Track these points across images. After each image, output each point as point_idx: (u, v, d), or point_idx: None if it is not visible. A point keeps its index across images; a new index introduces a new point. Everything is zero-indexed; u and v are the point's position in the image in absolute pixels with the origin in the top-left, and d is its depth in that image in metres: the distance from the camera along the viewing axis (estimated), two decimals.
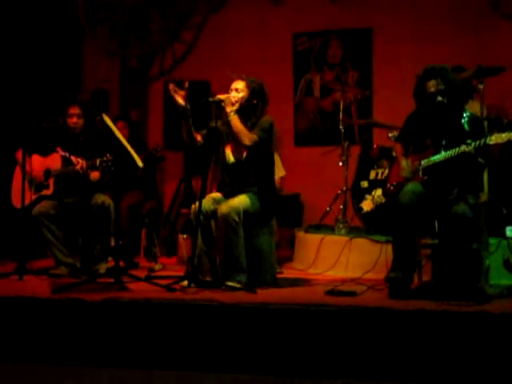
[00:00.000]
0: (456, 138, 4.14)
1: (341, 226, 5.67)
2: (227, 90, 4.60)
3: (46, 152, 5.22)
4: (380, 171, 5.57)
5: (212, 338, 3.67)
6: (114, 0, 7.12)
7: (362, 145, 6.16)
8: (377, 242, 5.03)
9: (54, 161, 5.15)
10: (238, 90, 4.56)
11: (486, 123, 4.85)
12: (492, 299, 3.91)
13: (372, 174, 5.62)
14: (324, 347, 3.54)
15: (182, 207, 6.34)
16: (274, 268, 4.78)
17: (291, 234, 6.08)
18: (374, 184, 5.56)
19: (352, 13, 6.77)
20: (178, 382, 3.61)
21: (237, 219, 4.33)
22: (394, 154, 5.03)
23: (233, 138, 4.57)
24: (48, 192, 5.13)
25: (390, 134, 5.38)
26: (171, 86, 4.50)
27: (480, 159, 4.12)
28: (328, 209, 6.06)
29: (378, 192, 5.39)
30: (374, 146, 5.81)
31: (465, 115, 4.26)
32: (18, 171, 5.24)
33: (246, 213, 4.40)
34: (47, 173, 5.15)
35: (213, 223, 4.51)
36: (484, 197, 4.57)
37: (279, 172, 6.04)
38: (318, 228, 5.94)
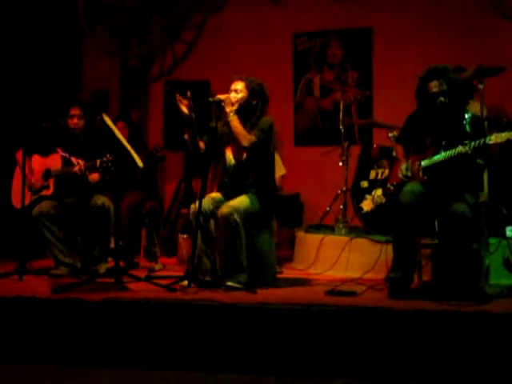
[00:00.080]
0: (457, 139, 4.14)
1: (341, 225, 5.67)
2: (227, 90, 4.60)
3: (46, 152, 5.22)
4: (380, 171, 5.57)
5: (212, 338, 3.67)
6: (114, 0, 7.12)
7: (362, 145, 6.16)
8: (377, 241, 5.03)
9: (54, 161, 5.15)
10: (238, 90, 4.57)
11: (485, 123, 4.85)
12: (492, 299, 3.91)
13: (372, 174, 5.62)
14: (324, 347, 3.54)
15: (182, 207, 6.34)
16: (274, 268, 4.78)
17: (291, 234, 6.07)
18: (373, 184, 5.56)
19: (352, 13, 6.76)
20: (178, 382, 3.61)
21: (238, 220, 4.33)
22: (395, 154, 5.03)
23: (233, 140, 4.58)
24: (48, 192, 5.13)
25: (390, 134, 5.38)
26: (177, 97, 4.51)
27: (479, 160, 4.13)
28: (328, 209, 6.07)
29: (378, 192, 5.39)
30: (374, 145, 5.81)
31: (466, 116, 4.26)
32: (18, 171, 5.24)
33: (247, 213, 4.40)
34: (47, 173, 5.15)
35: (212, 223, 4.51)
36: (484, 197, 4.57)
37: (279, 171, 6.04)
38: (318, 228, 5.94)
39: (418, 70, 4.48)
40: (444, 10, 6.49)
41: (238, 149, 4.59)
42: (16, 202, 5.16)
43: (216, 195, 4.64)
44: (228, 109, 4.50)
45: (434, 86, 4.22)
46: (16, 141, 5.26)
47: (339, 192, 5.95)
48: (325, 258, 5.31)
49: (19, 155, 5.12)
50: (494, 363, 3.34)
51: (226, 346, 3.65)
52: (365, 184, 5.64)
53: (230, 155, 4.65)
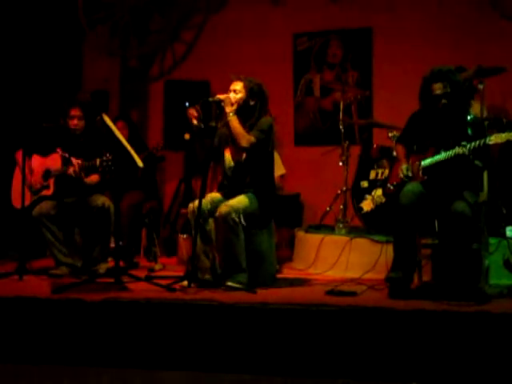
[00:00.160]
0: (458, 141, 4.14)
1: (341, 225, 5.66)
2: (227, 91, 4.61)
3: (46, 152, 5.22)
4: (380, 171, 5.57)
5: (212, 338, 3.67)
6: (114, 0, 7.13)
7: (362, 145, 6.16)
8: (377, 241, 5.03)
9: (54, 161, 5.15)
10: (236, 90, 4.57)
11: (486, 123, 4.86)
12: (492, 299, 3.92)
13: (372, 174, 5.62)
14: (324, 347, 3.55)
15: (181, 207, 6.34)
16: (273, 268, 4.78)
17: (291, 234, 6.07)
18: (373, 184, 5.56)
19: (352, 13, 6.76)
20: (178, 382, 3.60)
21: (236, 219, 4.34)
22: (395, 154, 5.03)
23: (232, 141, 4.58)
24: (48, 192, 5.13)
25: (390, 134, 5.39)
26: (188, 113, 4.53)
27: (477, 162, 4.13)
28: (328, 209, 6.07)
29: (378, 192, 5.39)
30: (374, 145, 5.81)
31: (468, 118, 4.27)
32: (17, 171, 5.24)
33: (246, 213, 4.40)
34: (47, 173, 5.15)
35: (211, 222, 4.51)
36: (484, 196, 4.57)
37: (279, 170, 6.04)
38: (318, 228, 5.94)
39: (418, 69, 4.48)
40: (444, 10, 6.49)
41: (237, 150, 4.59)
42: (16, 202, 5.15)
43: (215, 195, 4.64)
44: (228, 109, 4.51)
45: (438, 88, 4.22)
46: (16, 141, 5.26)
47: (339, 192, 5.95)
48: (325, 258, 5.31)
49: (19, 155, 5.12)
50: (494, 363, 3.34)
51: (225, 346, 3.65)
52: (365, 184, 5.64)
53: (228, 156, 4.65)
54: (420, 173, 4.27)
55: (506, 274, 4.61)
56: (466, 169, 4.17)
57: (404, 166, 4.34)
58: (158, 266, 5.47)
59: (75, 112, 5.16)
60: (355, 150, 6.05)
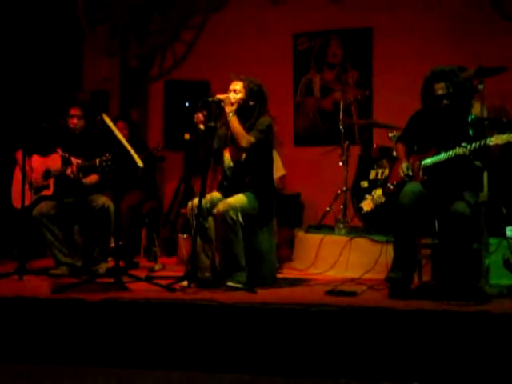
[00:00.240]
0: (459, 141, 4.14)
1: (341, 225, 5.67)
2: (227, 90, 4.60)
3: (45, 152, 5.22)
4: (380, 171, 5.58)
5: (212, 338, 3.67)
6: (114, 0, 7.12)
7: (362, 145, 6.16)
8: (377, 241, 5.03)
9: (54, 161, 5.15)
10: (237, 90, 4.57)
11: (486, 123, 4.85)
12: (492, 299, 3.91)
13: (372, 174, 5.62)
14: (324, 347, 3.54)
15: (181, 207, 6.34)
16: (274, 268, 4.78)
17: (291, 233, 6.08)
18: (373, 184, 5.56)
19: (352, 13, 6.76)
20: (179, 382, 3.60)
21: (234, 217, 4.34)
22: (395, 154, 5.03)
23: (231, 141, 4.58)
24: (48, 192, 5.13)
25: (390, 134, 5.39)
26: (195, 117, 4.53)
27: (477, 162, 4.13)
28: (328, 209, 6.07)
29: (378, 192, 5.39)
30: (374, 145, 5.81)
31: (469, 118, 4.27)
32: (17, 171, 5.24)
33: (245, 211, 4.40)
34: (47, 173, 5.15)
35: (210, 221, 4.51)
36: (484, 197, 4.57)
37: (279, 171, 6.05)
38: (318, 228, 5.94)
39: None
40: (444, 10, 6.49)
41: (236, 150, 4.59)
42: (16, 202, 5.15)
43: (215, 194, 4.65)
44: (227, 109, 4.51)
45: (440, 88, 4.22)
46: (16, 141, 5.26)
47: (339, 192, 5.96)
48: (325, 257, 5.31)
49: (19, 155, 5.12)
50: (494, 363, 3.34)
51: (225, 346, 3.65)
52: (365, 184, 5.64)
53: (228, 157, 4.65)
54: (420, 172, 4.27)
55: (506, 274, 4.60)
56: (466, 169, 4.17)
57: (404, 165, 4.34)
58: (157, 266, 5.47)
59: (75, 111, 5.15)
60: (355, 150, 6.05)
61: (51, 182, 5.13)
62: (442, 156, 4.18)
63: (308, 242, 5.63)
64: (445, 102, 4.20)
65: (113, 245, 5.13)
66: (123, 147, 4.43)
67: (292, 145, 7.05)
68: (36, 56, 6.66)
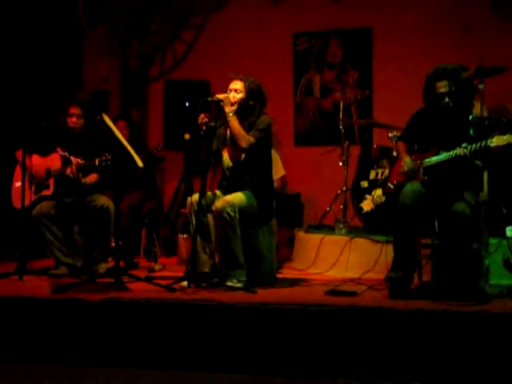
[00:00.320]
0: (459, 141, 4.14)
1: (341, 225, 5.67)
2: (226, 90, 4.60)
3: (45, 152, 5.22)
4: (380, 171, 5.57)
5: (212, 338, 3.67)
6: (114, 0, 7.12)
7: (362, 145, 6.16)
8: (377, 241, 5.03)
9: (54, 161, 5.15)
10: (238, 90, 4.56)
11: (486, 123, 4.85)
12: (492, 299, 3.91)
13: (372, 174, 5.62)
14: (324, 347, 3.54)
15: (181, 207, 6.34)
16: (273, 268, 4.78)
17: (291, 233, 6.07)
18: (373, 184, 5.56)
19: (352, 13, 6.76)
20: (178, 382, 3.60)
21: (232, 214, 4.33)
22: (395, 154, 5.03)
23: (230, 142, 4.58)
24: (48, 192, 5.13)
25: (390, 134, 5.38)
26: (199, 118, 4.53)
27: (477, 162, 4.13)
28: (328, 209, 6.07)
29: (378, 192, 5.39)
30: (374, 145, 5.81)
31: (470, 118, 4.27)
32: (18, 171, 5.24)
33: (243, 209, 4.40)
34: (47, 173, 5.14)
35: (209, 218, 4.51)
36: (484, 197, 4.57)
37: (279, 172, 6.05)
38: (318, 228, 5.94)
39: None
40: (444, 10, 6.49)
41: (235, 150, 4.59)
42: (16, 202, 5.15)
43: (215, 191, 4.66)
44: (227, 109, 4.50)
45: (443, 86, 4.22)
46: (16, 141, 5.26)
47: (339, 192, 5.96)
48: (325, 257, 5.31)
49: (19, 154, 5.12)
50: (494, 363, 3.34)
51: (225, 346, 3.65)
52: (365, 184, 5.64)
53: (226, 157, 4.65)
54: (421, 172, 4.27)
55: (506, 274, 4.60)
56: (466, 169, 4.17)
57: (407, 159, 4.33)
58: (157, 266, 5.46)
59: (74, 110, 5.15)
60: (355, 150, 6.05)
61: (51, 181, 5.13)
62: (443, 156, 4.18)
63: (308, 241, 5.63)
64: (446, 100, 4.20)
65: (113, 245, 5.13)
66: (123, 147, 4.43)
67: (292, 145, 7.05)
68: (36, 56, 6.66)
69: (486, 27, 6.33)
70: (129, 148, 4.43)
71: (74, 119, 5.15)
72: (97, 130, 4.99)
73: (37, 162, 5.18)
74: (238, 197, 4.44)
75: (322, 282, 4.75)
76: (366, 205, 5.53)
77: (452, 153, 4.13)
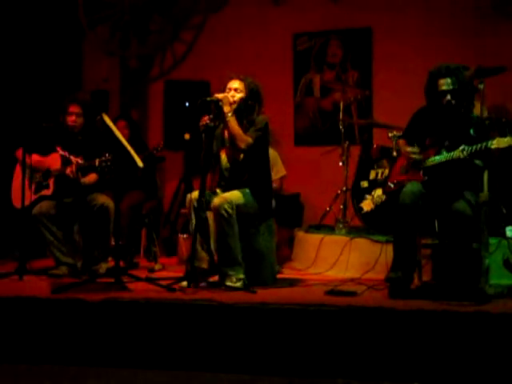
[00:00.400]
0: (459, 141, 4.13)
1: (341, 226, 5.67)
2: (224, 89, 4.59)
3: (45, 152, 5.21)
4: (380, 171, 5.57)
5: (211, 337, 3.67)
6: (114, 0, 7.13)
7: (362, 145, 6.15)
8: (377, 241, 5.03)
9: (54, 160, 5.15)
10: (238, 90, 4.56)
11: (486, 123, 4.85)
12: (492, 299, 3.91)
13: (372, 174, 5.62)
14: (324, 347, 3.54)
15: (181, 207, 6.34)
16: (273, 268, 4.78)
17: (291, 233, 6.07)
18: (373, 184, 5.56)
19: (352, 13, 6.76)
20: (178, 382, 3.60)
21: (229, 210, 4.33)
22: (395, 154, 5.03)
23: (229, 143, 4.58)
24: (48, 192, 5.13)
25: (390, 134, 5.37)
26: (202, 120, 4.53)
27: (477, 161, 4.13)
28: (328, 209, 6.07)
29: (378, 192, 5.40)
30: (374, 146, 5.80)
31: (471, 117, 4.27)
32: (18, 171, 5.24)
33: (241, 207, 4.40)
34: (47, 173, 5.14)
35: (209, 215, 4.51)
36: (484, 197, 4.57)
37: (279, 172, 6.04)
38: (318, 228, 5.94)
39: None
40: (444, 9, 6.49)
41: (233, 151, 4.59)
42: (16, 202, 5.15)
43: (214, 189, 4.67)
44: (226, 109, 4.49)
45: (445, 83, 4.21)
46: (16, 141, 5.26)
47: (339, 192, 5.96)
48: (325, 257, 5.31)
49: (19, 154, 5.12)
50: (494, 363, 3.34)
51: (225, 346, 3.65)
52: (365, 184, 5.64)
53: (224, 158, 4.65)
54: (421, 172, 4.26)
55: (506, 274, 4.60)
56: (466, 169, 4.17)
57: (410, 149, 4.32)
58: (157, 266, 5.47)
59: (74, 109, 5.15)
60: (355, 150, 6.05)
61: (51, 181, 5.13)
62: (443, 156, 4.18)
63: (308, 242, 5.63)
64: (448, 97, 4.19)
65: (113, 243, 5.13)
66: (123, 147, 4.43)
67: (292, 145, 7.04)
68: (36, 55, 6.66)
69: (486, 27, 6.32)
70: (129, 148, 4.43)
71: (74, 118, 5.15)
72: (97, 130, 4.99)
73: (37, 161, 5.18)
74: (235, 194, 4.44)
75: (321, 282, 4.75)
76: (366, 205, 5.53)
77: (451, 154, 4.12)
